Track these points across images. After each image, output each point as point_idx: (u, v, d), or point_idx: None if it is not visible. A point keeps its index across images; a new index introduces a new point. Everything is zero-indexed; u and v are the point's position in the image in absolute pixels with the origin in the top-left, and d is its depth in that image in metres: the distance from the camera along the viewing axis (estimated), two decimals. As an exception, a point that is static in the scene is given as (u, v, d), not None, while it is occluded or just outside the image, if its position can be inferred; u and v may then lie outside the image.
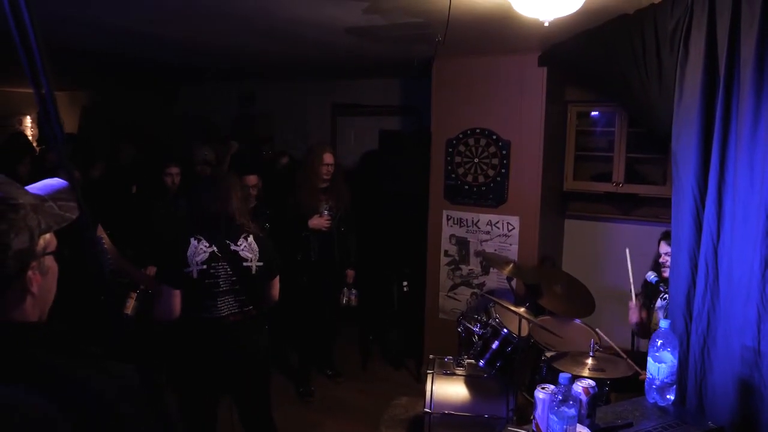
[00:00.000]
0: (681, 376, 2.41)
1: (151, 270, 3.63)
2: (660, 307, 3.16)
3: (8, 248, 0.93)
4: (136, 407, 0.95)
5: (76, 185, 0.79)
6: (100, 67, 5.91)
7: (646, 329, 3.35)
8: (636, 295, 3.30)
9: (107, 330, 0.93)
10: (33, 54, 0.64)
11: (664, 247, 3.19)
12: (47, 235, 1.01)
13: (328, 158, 4.29)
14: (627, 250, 3.33)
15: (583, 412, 2.01)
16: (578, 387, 2.03)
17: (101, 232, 2.99)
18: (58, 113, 0.69)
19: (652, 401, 2.22)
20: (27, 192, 0.99)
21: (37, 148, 6.95)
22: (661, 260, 3.22)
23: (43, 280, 1.02)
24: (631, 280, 3.28)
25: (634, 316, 3.33)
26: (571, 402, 1.93)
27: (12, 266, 0.94)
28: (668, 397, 2.20)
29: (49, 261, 1.04)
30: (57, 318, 1.10)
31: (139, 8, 3.17)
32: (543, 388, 2.03)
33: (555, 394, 1.97)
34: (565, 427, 1.90)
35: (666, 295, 3.09)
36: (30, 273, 0.98)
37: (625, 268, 3.29)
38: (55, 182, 1.06)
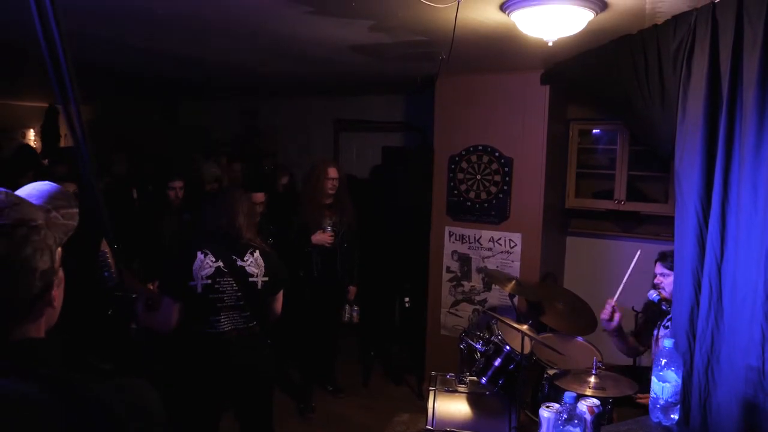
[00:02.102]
0: (685, 395, 2.40)
1: (155, 284, 3.63)
2: (663, 336, 3.04)
3: (36, 271, 0.93)
4: (146, 424, 0.95)
5: (101, 201, 0.80)
6: (104, 81, 5.95)
7: (633, 350, 3.32)
8: (616, 297, 3.13)
9: (116, 343, 0.93)
10: (61, 69, 0.66)
11: (658, 268, 3.16)
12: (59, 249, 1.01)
13: (332, 172, 4.30)
14: (639, 252, 3.17)
15: (587, 431, 2.00)
16: (583, 406, 2.03)
17: (105, 247, 2.98)
18: (84, 129, 0.70)
19: (656, 420, 2.21)
20: (38, 208, 0.99)
21: (45, 161, 6.97)
22: (656, 281, 3.19)
23: (58, 292, 1.02)
24: (623, 281, 3.15)
25: (605, 314, 3.15)
26: (575, 421, 1.92)
27: (39, 287, 0.95)
28: (672, 416, 2.19)
29: (60, 272, 1.04)
30: (63, 331, 1.09)
31: (144, 24, 3.20)
32: (548, 407, 2.03)
33: (560, 413, 1.96)
34: (569, 446, 1.89)
35: (668, 323, 3.05)
36: (54, 291, 0.99)
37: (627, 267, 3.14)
38: (46, 186, 1.05)
